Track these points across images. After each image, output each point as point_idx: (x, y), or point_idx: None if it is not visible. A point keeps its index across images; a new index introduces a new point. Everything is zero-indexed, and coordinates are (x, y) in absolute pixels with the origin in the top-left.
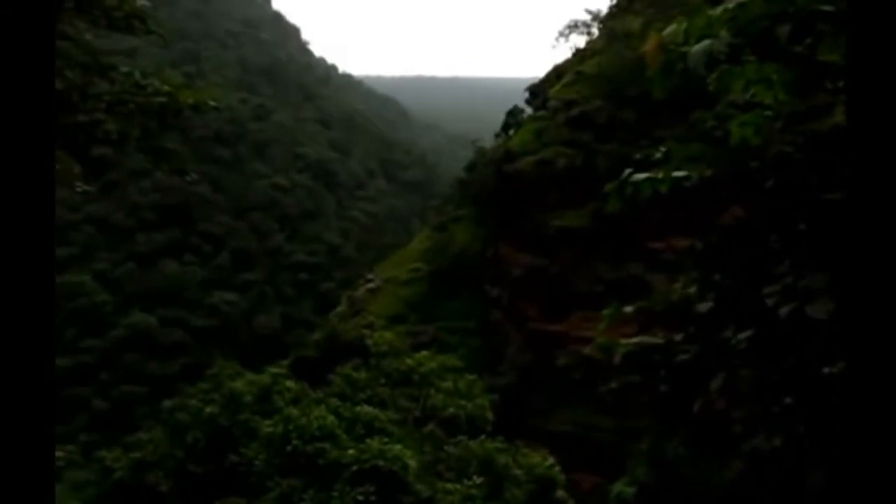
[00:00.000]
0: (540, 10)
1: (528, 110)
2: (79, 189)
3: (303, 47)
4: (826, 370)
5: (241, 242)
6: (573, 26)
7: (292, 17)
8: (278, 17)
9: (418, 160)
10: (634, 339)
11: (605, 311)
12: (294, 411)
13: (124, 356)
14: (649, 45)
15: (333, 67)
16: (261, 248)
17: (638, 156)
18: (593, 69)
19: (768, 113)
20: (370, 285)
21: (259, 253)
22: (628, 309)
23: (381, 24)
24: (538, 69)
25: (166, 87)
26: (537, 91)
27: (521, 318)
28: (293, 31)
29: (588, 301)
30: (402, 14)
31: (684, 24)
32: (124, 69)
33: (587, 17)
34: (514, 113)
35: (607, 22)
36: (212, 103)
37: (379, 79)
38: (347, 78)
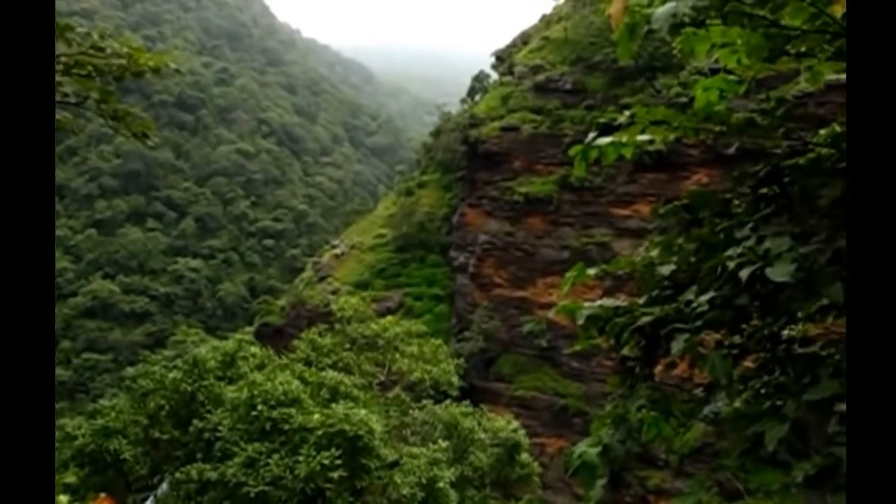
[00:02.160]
0: None
1: (495, 76)
2: None
3: (266, 11)
4: (786, 332)
5: (205, 209)
6: None
7: None
8: None
9: (384, 126)
10: (598, 303)
11: (568, 274)
12: (259, 377)
13: (86, 324)
14: (614, 8)
15: (297, 32)
16: (225, 214)
17: (603, 120)
18: (560, 34)
19: (732, 78)
20: (336, 251)
21: (224, 219)
22: (591, 271)
23: None
24: (506, 37)
25: (126, 49)
26: (503, 56)
27: (488, 284)
28: None
29: (554, 268)
30: None
31: None
32: (82, 30)
33: None
34: (479, 78)
35: None
36: (173, 66)
37: (345, 44)
38: (312, 42)
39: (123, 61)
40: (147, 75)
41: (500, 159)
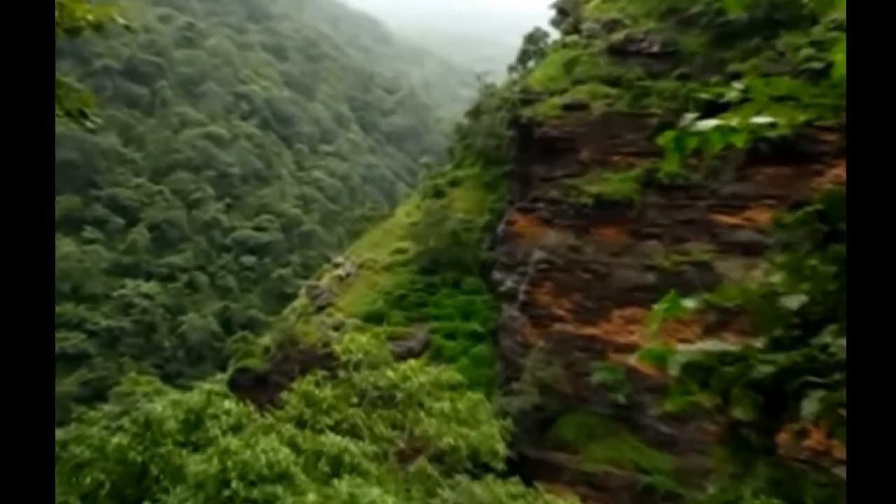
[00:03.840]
0: None
1: (555, 35)
2: None
3: None
4: None
5: (162, 213)
6: None
7: None
8: None
9: (405, 102)
10: (698, 346)
11: (657, 307)
12: (234, 442)
13: None
14: None
15: None
16: (190, 221)
17: (705, 95)
18: None
19: None
20: (339, 272)
21: (188, 228)
22: (689, 303)
23: None
24: None
25: None
26: (566, 7)
27: (544, 317)
28: None
29: (635, 296)
30: None
31: None
32: None
33: None
34: (534, 38)
35: None
36: (121, 21)
37: None
38: None
39: (57, 14)
40: (85, 33)
41: (563, 148)
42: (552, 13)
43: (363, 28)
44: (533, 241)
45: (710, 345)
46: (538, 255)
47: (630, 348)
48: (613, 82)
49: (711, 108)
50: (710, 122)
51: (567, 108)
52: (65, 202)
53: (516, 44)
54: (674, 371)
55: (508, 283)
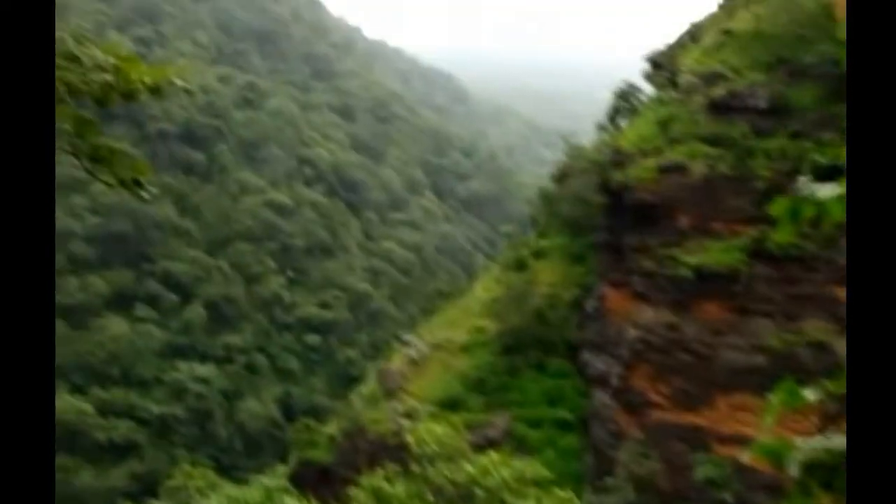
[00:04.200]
0: None
1: (648, 90)
2: None
3: (312, 0)
4: None
5: (220, 289)
6: None
7: None
8: None
9: (483, 165)
10: (820, 441)
11: (773, 398)
12: None
13: None
14: None
15: (357, 30)
16: (250, 297)
17: (819, 157)
18: (749, 25)
19: None
20: (411, 352)
21: (247, 305)
22: (810, 395)
23: None
24: (664, 32)
25: (112, 60)
26: (661, 61)
27: (641, 404)
28: None
29: (743, 380)
30: None
31: None
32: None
33: None
34: (626, 94)
35: None
36: (179, 83)
37: (425, 48)
38: (378, 46)
39: (109, 77)
40: (142, 97)
41: (658, 214)
42: (645, 66)
43: (437, 85)
44: (626, 319)
45: (836, 440)
46: (632, 333)
47: (737, 440)
48: (715, 141)
49: (827, 170)
50: (830, 189)
51: (663, 170)
52: (116, 277)
53: (605, 100)
54: (793, 471)
55: (599, 366)
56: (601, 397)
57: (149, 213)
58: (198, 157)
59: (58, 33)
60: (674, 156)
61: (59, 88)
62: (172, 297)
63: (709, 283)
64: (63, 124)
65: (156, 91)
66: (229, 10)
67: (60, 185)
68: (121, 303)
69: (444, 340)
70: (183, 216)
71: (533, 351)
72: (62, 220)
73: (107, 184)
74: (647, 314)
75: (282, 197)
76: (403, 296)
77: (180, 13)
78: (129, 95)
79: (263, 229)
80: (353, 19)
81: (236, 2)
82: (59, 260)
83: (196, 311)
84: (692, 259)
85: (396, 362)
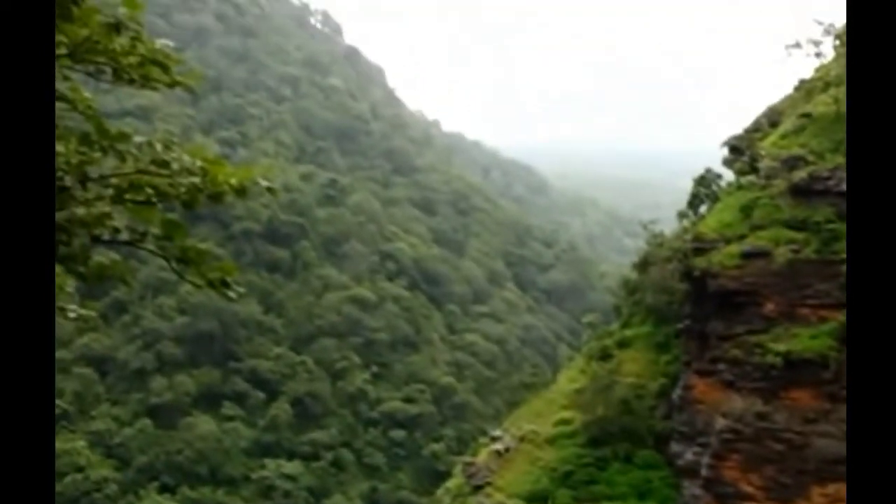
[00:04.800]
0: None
1: (728, 176)
2: (72, 315)
3: (390, 96)
4: None
5: (305, 386)
6: (795, 46)
7: (374, 53)
8: (354, 55)
9: (565, 256)
10: None
11: None
12: None
13: None
14: None
15: (436, 124)
16: (335, 393)
17: None
18: (829, 108)
19: None
20: (497, 446)
21: (332, 401)
22: None
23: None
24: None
25: (198, 163)
26: (741, 146)
27: (732, 495)
28: (376, 74)
29: (837, 469)
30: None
31: None
32: (139, 138)
33: (817, 33)
34: (705, 181)
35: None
36: (264, 183)
37: (504, 141)
38: (457, 139)
39: (196, 180)
40: (228, 197)
41: (743, 301)
42: (724, 153)
43: (517, 177)
44: (714, 408)
45: None
46: (721, 423)
47: None
48: (798, 226)
49: None
50: None
51: (746, 256)
52: (203, 376)
53: (685, 188)
54: None
55: (688, 457)
56: (691, 489)
57: (235, 312)
58: (281, 254)
59: (146, 138)
60: (757, 241)
61: (148, 193)
62: (259, 395)
63: (798, 370)
64: (153, 228)
65: (241, 192)
66: (310, 110)
67: (149, 286)
68: (208, 401)
69: (530, 433)
70: (268, 313)
71: (620, 442)
72: (151, 320)
73: (195, 284)
74: (736, 403)
75: (364, 292)
76: (488, 389)
77: (264, 114)
78: (216, 197)
79: (347, 325)
80: (430, 113)
81: (317, 101)
82: (149, 359)
83: (282, 408)
84: (780, 346)
85: (482, 456)
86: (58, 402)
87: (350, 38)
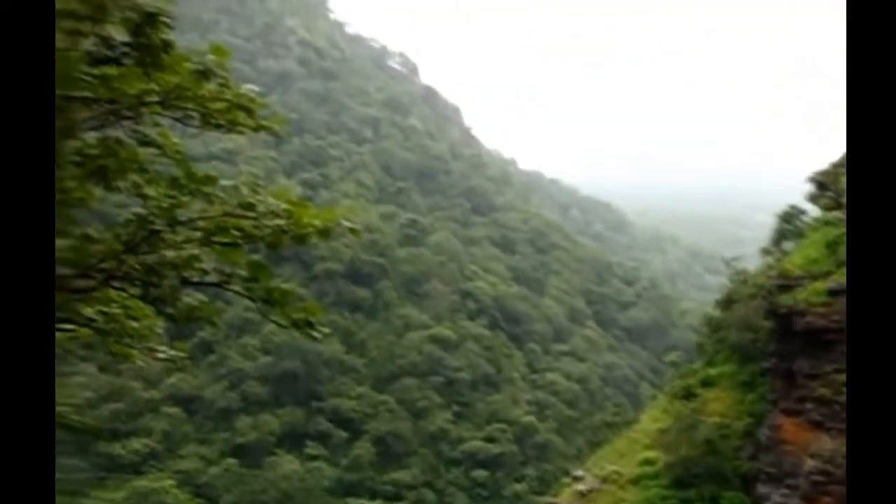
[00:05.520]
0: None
1: (813, 211)
2: (161, 356)
3: (467, 135)
4: None
5: (387, 425)
6: None
7: (450, 93)
8: (431, 95)
9: (646, 293)
10: None
11: None
12: None
13: None
14: None
15: (513, 162)
16: (416, 432)
17: None
18: None
19: None
20: (580, 486)
21: (414, 440)
22: None
23: (579, 100)
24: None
25: (283, 205)
26: (826, 181)
27: None
28: (453, 114)
29: None
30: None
31: None
32: (225, 182)
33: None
34: (789, 216)
35: None
36: (348, 225)
37: (582, 178)
38: (535, 177)
39: (281, 222)
40: (311, 239)
41: (831, 339)
42: (809, 188)
43: (596, 215)
44: (803, 448)
45: None
46: (810, 464)
47: None
48: None
49: None
50: None
51: (833, 293)
52: (287, 416)
53: (768, 224)
54: None
55: (776, 499)
56: None
57: (318, 351)
58: (363, 294)
59: (231, 182)
60: (844, 278)
61: (235, 236)
62: (341, 434)
63: None
64: (239, 270)
65: (325, 233)
66: (390, 151)
67: (233, 326)
68: (292, 440)
69: (613, 473)
70: (350, 353)
71: (705, 483)
72: (236, 360)
73: (279, 325)
74: (825, 443)
75: (445, 331)
76: (570, 428)
77: (345, 156)
78: (300, 238)
79: (428, 364)
80: (507, 151)
81: (397, 142)
82: (234, 399)
83: (365, 448)
84: None
85: (565, 497)
86: (147, 441)
87: (427, 77)
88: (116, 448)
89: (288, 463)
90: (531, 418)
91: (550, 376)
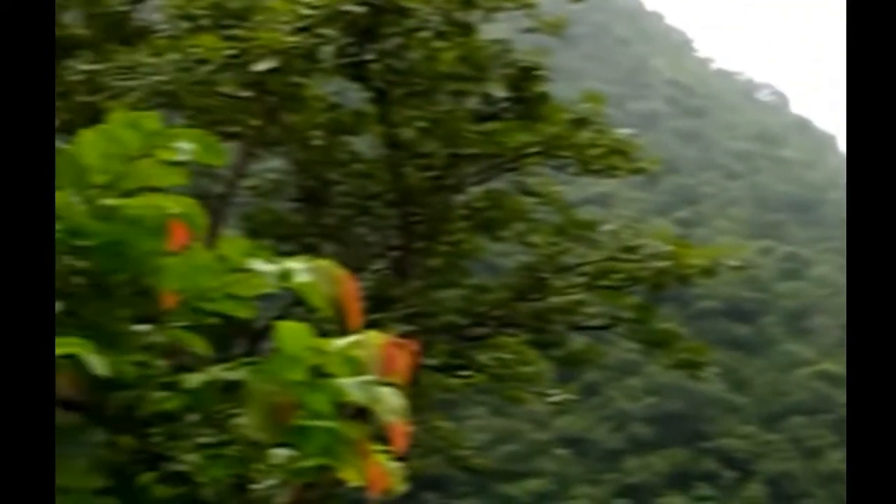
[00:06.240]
0: None
1: None
2: (552, 399)
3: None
4: None
5: (779, 465)
6: None
7: (824, 122)
8: (805, 126)
9: None
10: None
11: None
12: None
13: None
14: None
15: None
16: (809, 472)
17: None
18: None
19: None
20: None
21: (806, 479)
22: None
23: None
24: None
25: (667, 247)
26: None
27: None
28: (828, 142)
29: None
30: None
31: None
32: (607, 226)
33: None
34: None
35: None
36: (731, 263)
37: None
38: None
39: (665, 263)
40: (694, 278)
41: None
42: None
43: None
44: None
45: None
46: None
47: None
48: None
49: None
50: None
51: None
52: (673, 456)
53: None
54: None
55: None
56: None
57: (700, 390)
58: (743, 330)
59: (611, 226)
60: None
61: (618, 279)
62: (731, 474)
63: None
64: (624, 313)
65: (709, 272)
66: (764, 184)
67: (615, 367)
68: (680, 481)
69: None
70: (733, 391)
71: None
72: (621, 403)
73: (663, 365)
74: None
75: (833, 367)
76: None
77: (718, 192)
78: (684, 279)
79: (817, 401)
80: None
81: (771, 174)
82: (620, 441)
83: (757, 488)
84: None
85: None
86: (540, 481)
87: (798, 106)
88: (513, 489)
89: (677, 503)
90: None
91: None
